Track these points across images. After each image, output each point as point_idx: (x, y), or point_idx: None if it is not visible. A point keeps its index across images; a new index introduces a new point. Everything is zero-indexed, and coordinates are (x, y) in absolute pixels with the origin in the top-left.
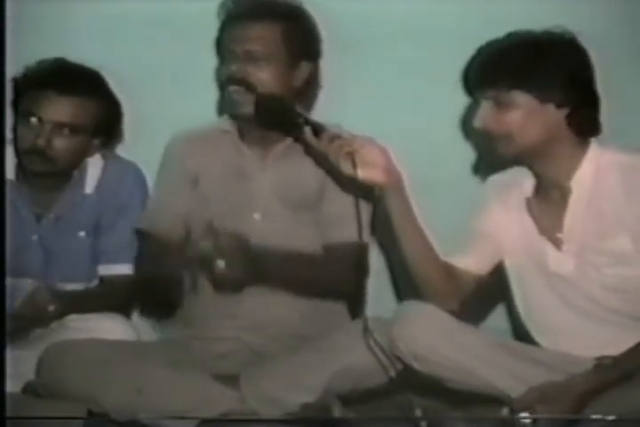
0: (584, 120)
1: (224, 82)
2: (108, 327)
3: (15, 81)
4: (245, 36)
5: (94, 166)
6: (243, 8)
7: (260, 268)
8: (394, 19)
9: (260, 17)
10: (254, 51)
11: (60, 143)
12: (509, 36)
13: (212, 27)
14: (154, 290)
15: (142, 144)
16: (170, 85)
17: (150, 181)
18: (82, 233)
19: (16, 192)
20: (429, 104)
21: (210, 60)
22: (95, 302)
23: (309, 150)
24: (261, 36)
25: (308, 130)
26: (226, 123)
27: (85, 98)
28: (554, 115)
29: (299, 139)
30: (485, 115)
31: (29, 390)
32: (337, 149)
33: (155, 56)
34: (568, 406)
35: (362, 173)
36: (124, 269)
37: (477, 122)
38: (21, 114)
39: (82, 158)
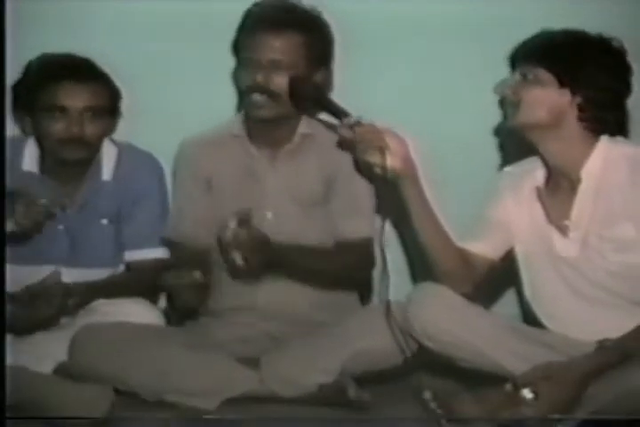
0: (596, 119)
1: (247, 88)
2: (136, 312)
3: (20, 80)
4: (271, 46)
5: (108, 154)
6: (267, 18)
7: (276, 259)
8: (409, 17)
9: (283, 27)
10: (278, 60)
11: (91, 127)
12: (564, 29)
13: (219, 24)
14: (181, 297)
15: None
16: (175, 80)
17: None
18: (104, 221)
19: (40, 185)
20: (445, 99)
21: (219, 57)
22: (122, 288)
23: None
24: (285, 47)
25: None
26: (235, 127)
27: (95, 82)
28: (567, 101)
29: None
30: (508, 83)
31: (61, 370)
32: (368, 140)
33: (160, 52)
34: (570, 384)
35: (382, 162)
36: (149, 253)
37: (498, 87)
38: (42, 109)
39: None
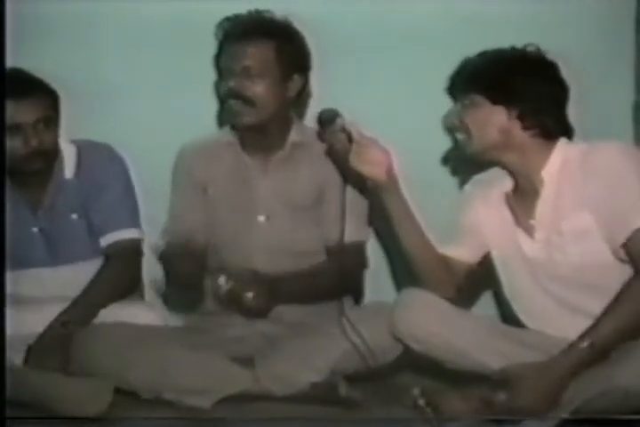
0: (539, 125)
1: (224, 96)
2: (136, 313)
3: None
4: (242, 54)
5: (69, 153)
6: (238, 28)
7: (277, 292)
8: (387, 26)
9: (254, 36)
10: (250, 67)
11: (46, 137)
12: (483, 51)
13: (203, 36)
14: (180, 292)
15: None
16: (175, 87)
17: (130, 161)
18: (74, 215)
19: (6, 193)
20: (426, 108)
21: (205, 69)
22: (107, 285)
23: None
24: (256, 54)
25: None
26: (228, 134)
27: (34, 94)
28: (505, 116)
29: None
30: (451, 114)
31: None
32: (355, 150)
33: (147, 63)
34: (548, 383)
35: (366, 170)
36: (123, 234)
37: (445, 118)
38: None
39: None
